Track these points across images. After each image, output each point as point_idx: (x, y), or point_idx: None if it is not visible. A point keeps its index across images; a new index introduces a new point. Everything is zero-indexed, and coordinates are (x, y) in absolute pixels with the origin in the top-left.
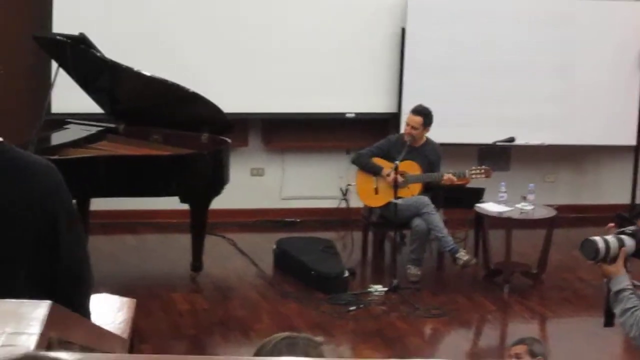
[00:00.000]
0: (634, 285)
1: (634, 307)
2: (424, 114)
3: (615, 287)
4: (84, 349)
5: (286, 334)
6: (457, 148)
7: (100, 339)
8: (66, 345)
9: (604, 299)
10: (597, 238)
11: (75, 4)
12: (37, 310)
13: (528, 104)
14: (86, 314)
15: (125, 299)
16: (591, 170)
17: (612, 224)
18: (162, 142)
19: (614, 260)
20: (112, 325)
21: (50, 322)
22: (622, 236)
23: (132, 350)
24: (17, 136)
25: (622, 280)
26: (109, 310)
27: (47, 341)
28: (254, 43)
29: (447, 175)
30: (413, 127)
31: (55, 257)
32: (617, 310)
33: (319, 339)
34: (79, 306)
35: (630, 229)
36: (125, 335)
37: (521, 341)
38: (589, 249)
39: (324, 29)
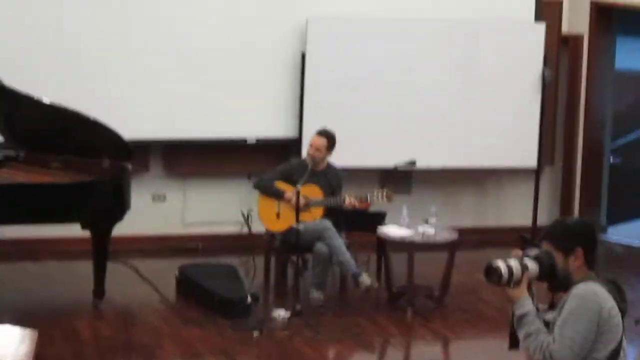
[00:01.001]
0: (538, 309)
1: (537, 330)
2: (329, 137)
3: (518, 311)
4: None
5: None
6: (358, 171)
7: None
8: None
9: (509, 322)
10: (500, 262)
11: None
12: None
13: (429, 126)
14: None
15: (26, 331)
16: (493, 193)
17: (517, 250)
18: (62, 169)
19: (517, 284)
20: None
21: None
22: (526, 259)
23: None
24: None
25: (526, 304)
26: (9, 343)
27: None
28: (155, 68)
29: (349, 199)
30: (317, 149)
31: None
32: (520, 334)
33: None
34: None
35: (533, 252)
36: None
37: None
38: (491, 273)
39: (225, 54)
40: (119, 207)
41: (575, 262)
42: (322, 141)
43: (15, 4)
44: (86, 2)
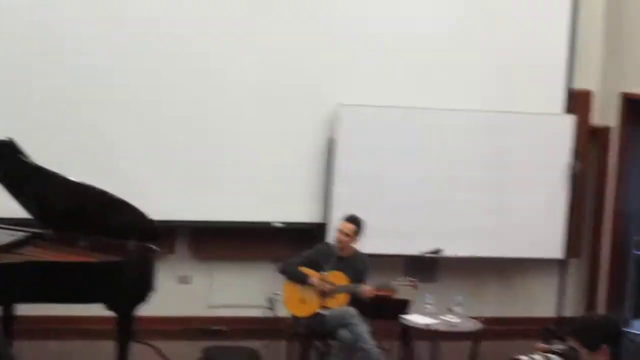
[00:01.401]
0: None
1: None
2: (357, 223)
3: None
4: None
5: None
6: (383, 258)
7: None
8: None
9: None
10: (524, 358)
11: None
12: None
13: (456, 215)
14: None
15: None
16: (518, 283)
17: (541, 344)
18: (88, 249)
19: None
20: None
21: None
22: (551, 355)
23: None
24: None
25: None
26: None
27: None
28: (182, 149)
29: (365, 287)
30: (346, 234)
31: None
32: None
33: None
34: None
35: (559, 348)
36: None
37: None
38: None
39: (253, 138)
40: (144, 288)
41: (601, 359)
42: (351, 227)
43: (33, 81)
44: (107, 78)
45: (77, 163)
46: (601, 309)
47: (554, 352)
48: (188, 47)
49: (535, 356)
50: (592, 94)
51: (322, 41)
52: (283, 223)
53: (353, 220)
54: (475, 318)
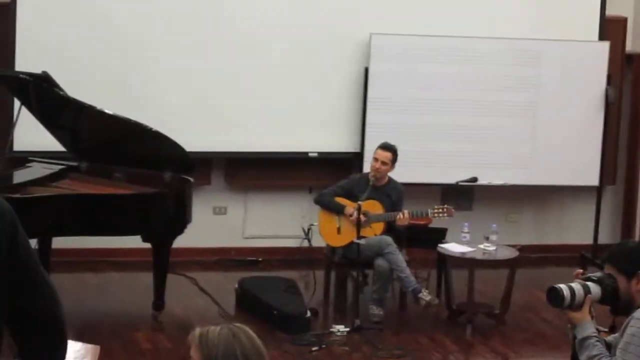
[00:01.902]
0: (599, 331)
1: (599, 354)
2: (393, 150)
3: (580, 335)
4: None
5: None
6: (419, 187)
7: None
8: None
9: (570, 344)
10: (563, 285)
11: (39, 42)
12: None
13: (491, 143)
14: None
15: (89, 346)
16: (554, 210)
17: (579, 271)
18: (124, 181)
19: (579, 307)
20: None
21: None
22: (588, 283)
23: None
24: None
25: (588, 328)
26: (72, 358)
27: None
28: (218, 81)
29: (402, 215)
30: (383, 163)
31: (25, 298)
32: (582, 357)
33: None
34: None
35: (595, 275)
36: None
37: None
38: (554, 296)
39: (287, 69)
40: (181, 220)
41: (638, 286)
42: (387, 155)
43: (72, 20)
44: (145, 13)
45: (112, 97)
46: (637, 236)
47: (590, 279)
48: None
49: (573, 283)
50: (626, 20)
51: None
52: (319, 153)
53: (388, 147)
54: (511, 246)
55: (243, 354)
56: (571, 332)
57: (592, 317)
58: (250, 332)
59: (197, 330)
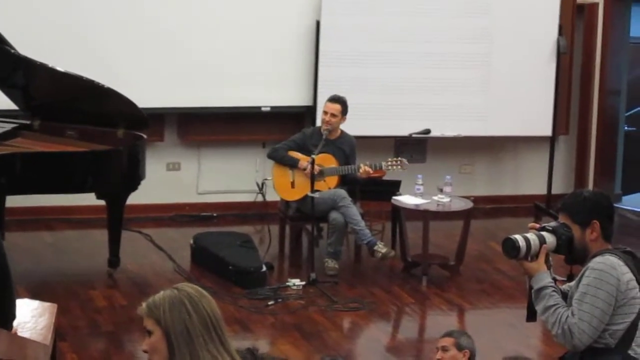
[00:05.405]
0: (555, 280)
1: (556, 304)
2: (342, 102)
3: (536, 285)
4: None
5: None
6: (372, 140)
7: (22, 348)
8: None
9: (526, 294)
10: (518, 236)
11: None
12: None
13: (444, 95)
14: (8, 316)
15: (46, 304)
16: (508, 161)
17: (534, 224)
18: (77, 139)
19: (535, 257)
20: (33, 331)
21: None
22: (543, 233)
23: (54, 355)
24: None
25: (544, 278)
26: (30, 317)
27: None
28: (169, 36)
29: (363, 167)
30: (333, 115)
31: None
32: (539, 308)
33: None
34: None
35: (550, 225)
36: (47, 342)
37: (449, 334)
38: (510, 247)
39: (239, 22)
40: (134, 176)
41: (592, 235)
42: (336, 107)
43: None
44: None
45: (64, 55)
46: (591, 185)
47: (545, 229)
48: None
49: (528, 234)
50: None
51: None
52: (272, 107)
53: (336, 99)
54: (465, 197)
55: (190, 300)
56: (528, 283)
57: (549, 267)
58: (195, 285)
59: (143, 303)
